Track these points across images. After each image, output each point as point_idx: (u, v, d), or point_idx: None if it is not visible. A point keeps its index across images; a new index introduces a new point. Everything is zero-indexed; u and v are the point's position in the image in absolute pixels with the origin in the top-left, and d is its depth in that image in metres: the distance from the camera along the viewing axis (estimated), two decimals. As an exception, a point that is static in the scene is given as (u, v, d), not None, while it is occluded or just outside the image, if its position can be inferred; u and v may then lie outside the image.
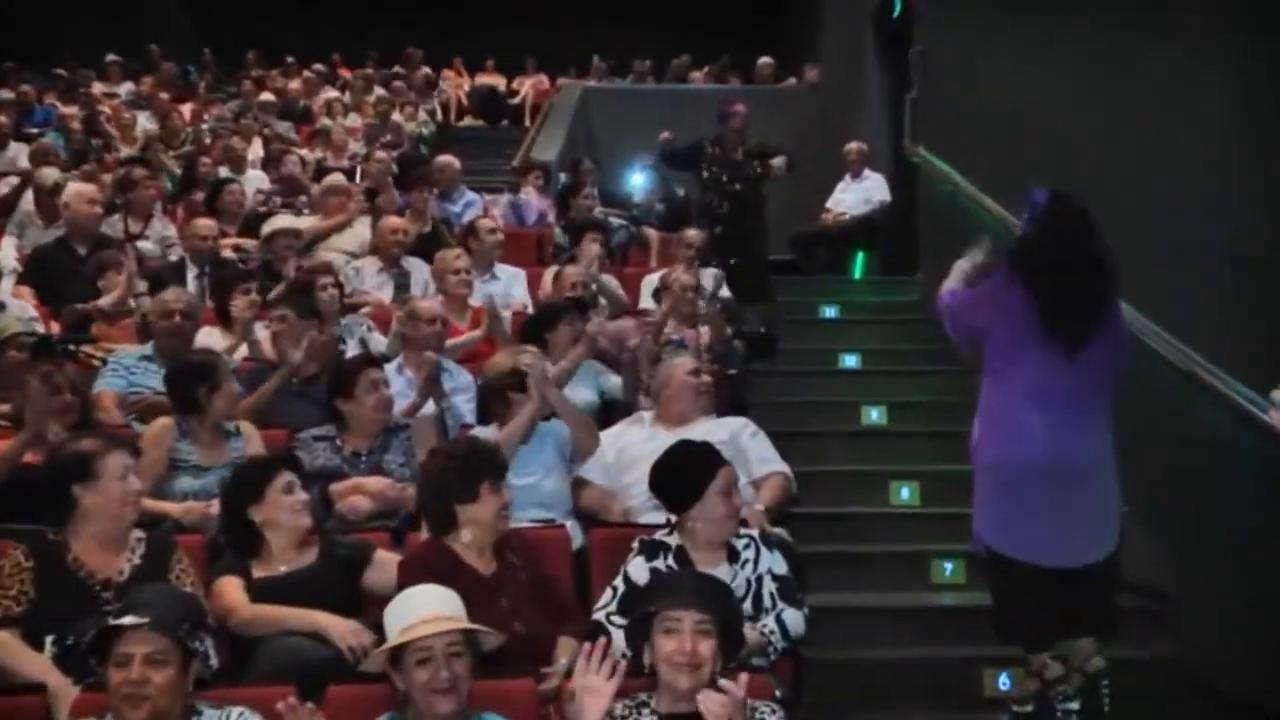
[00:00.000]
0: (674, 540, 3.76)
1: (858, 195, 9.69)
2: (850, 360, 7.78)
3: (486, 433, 4.63)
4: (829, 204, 9.85)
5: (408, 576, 3.52)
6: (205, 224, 6.90)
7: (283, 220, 7.30)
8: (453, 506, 3.71)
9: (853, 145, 9.74)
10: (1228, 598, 4.53)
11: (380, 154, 9.25)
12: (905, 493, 6.06)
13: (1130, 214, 5.19)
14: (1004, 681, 4.65)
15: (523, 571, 3.71)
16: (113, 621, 2.85)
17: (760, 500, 4.41)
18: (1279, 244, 4.37)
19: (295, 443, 4.57)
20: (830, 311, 8.61)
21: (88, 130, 10.93)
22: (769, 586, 3.74)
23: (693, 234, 7.15)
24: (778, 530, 4.32)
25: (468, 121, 15.27)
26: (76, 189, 6.72)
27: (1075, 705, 3.98)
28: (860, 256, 9.74)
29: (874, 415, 6.96)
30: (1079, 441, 3.86)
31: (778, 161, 7.90)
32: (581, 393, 5.33)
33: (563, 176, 9.80)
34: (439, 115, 14.31)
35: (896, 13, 9.50)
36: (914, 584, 5.33)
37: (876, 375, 7.57)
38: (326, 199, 7.71)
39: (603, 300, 6.71)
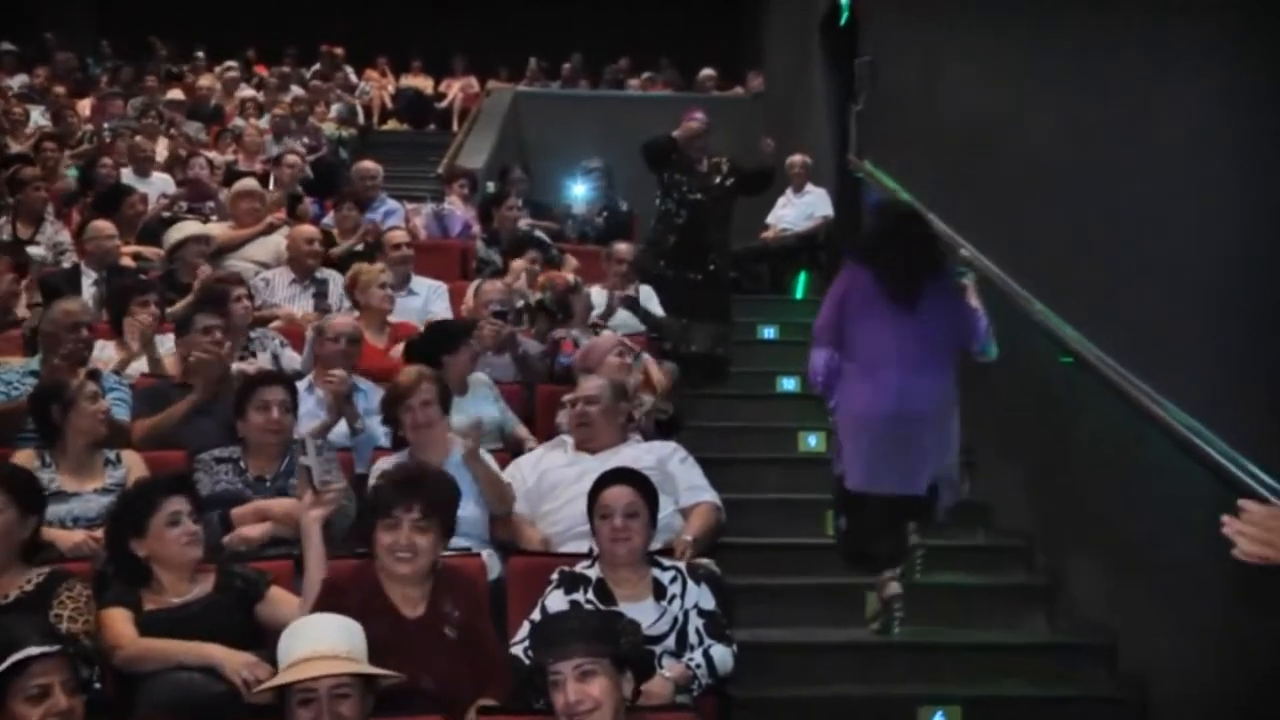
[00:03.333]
0: (594, 573, 3.80)
1: (800, 210, 9.80)
2: (789, 384, 7.86)
3: (399, 457, 4.64)
4: (770, 219, 9.95)
5: (325, 597, 3.54)
6: (103, 225, 6.84)
7: (192, 226, 7.24)
8: (372, 530, 3.70)
9: (796, 158, 9.84)
10: (1167, 635, 4.64)
11: (290, 157, 9.18)
12: (843, 523, 6.10)
13: (1104, 241, 5.16)
14: (940, 721, 4.73)
15: (453, 626, 3.61)
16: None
17: (688, 530, 4.46)
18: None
19: (196, 464, 4.56)
20: (769, 332, 8.70)
21: (-26, 125, 10.76)
22: (695, 622, 3.78)
23: (623, 248, 7.19)
24: (706, 561, 4.36)
25: (391, 125, 15.24)
26: (-47, 190, 6.63)
27: (875, 626, 5.15)
28: (803, 275, 9.82)
29: (812, 441, 7.02)
30: (923, 390, 4.86)
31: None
32: (487, 409, 5.40)
33: (490, 185, 9.80)
34: (360, 118, 14.27)
35: (844, 20, 9.61)
36: (848, 619, 5.37)
37: (815, 400, 7.57)
38: (237, 204, 7.65)
39: (528, 317, 6.77)
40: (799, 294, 9.79)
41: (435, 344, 5.43)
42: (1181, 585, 4.47)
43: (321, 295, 6.60)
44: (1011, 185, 6.19)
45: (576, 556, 4.06)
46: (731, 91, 14.00)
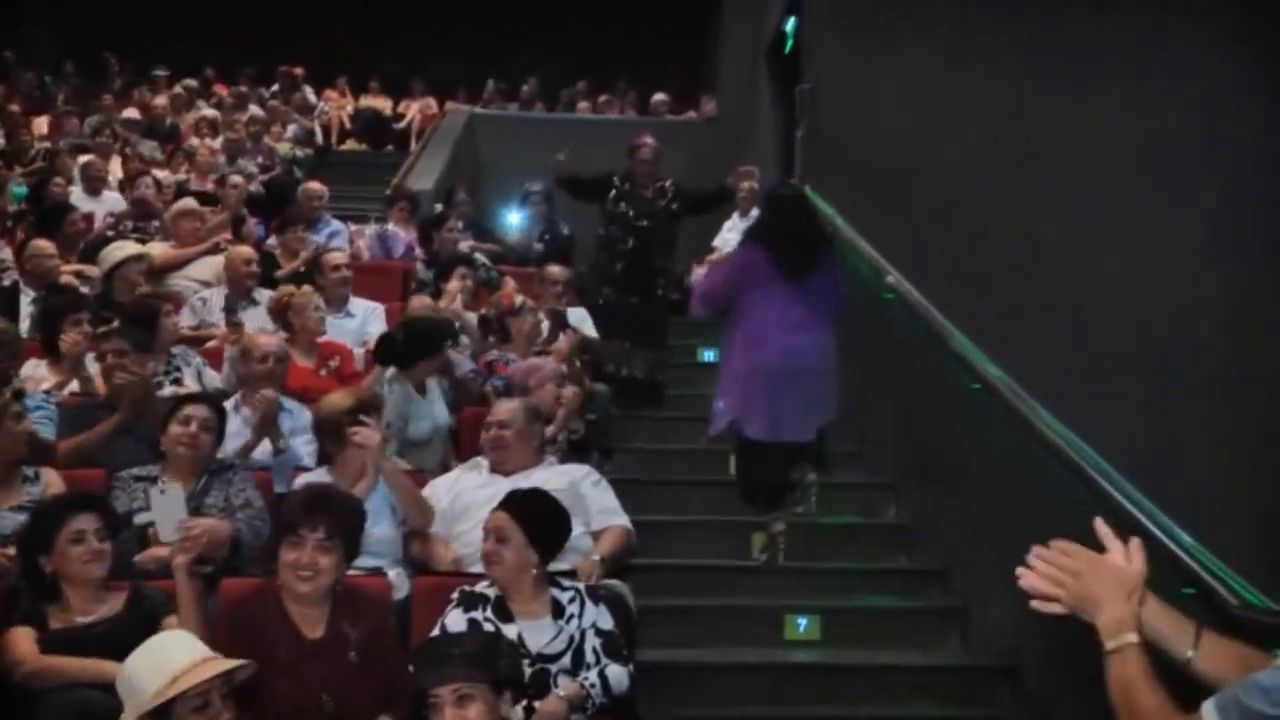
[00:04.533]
0: (493, 592, 3.86)
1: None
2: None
3: (319, 475, 4.70)
4: (716, 243, 10.00)
5: (226, 614, 3.65)
6: (42, 244, 6.89)
7: (130, 246, 7.27)
8: (277, 548, 3.78)
9: (744, 184, 9.91)
10: (1066, 658, 4.72)
11: (235, 178, 9.22)
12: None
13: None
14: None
15: (353, 648, 3.66)
16: None
17: (597, 551, 4.52)
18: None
19: (114, 482, 4.60)
20: (709, 355, 8.72)
21: (-71, 143, 10.78)
22: (592, 641, 3.84)
23: (555, 270, 7.26)
24: (614, 582, 4.43)
25: (350, 145, 15.27)
26: (-104, 209, 6.66)
27: (800, 509, 5.81)
28: (747, 299, 9.86)
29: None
30: (806, 349, 5.64)
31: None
32: (441, 412, 5.59)
33: (439, 207, 9.86)
34: (319, 138, 14.31)
35: (788, 48, 9.74)
36: (765, 639, 5.45)
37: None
38: (178, 224, 7.71)
39: (465, 338, 6.83)
40: (743, 317, 9.81)
41: (418, 345, 5.55)
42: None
43: (231, 310, 6.62)
44: (937, 215, 6.29)
45: (485, 577, 4.11)
46: (685, 115, 14.11)
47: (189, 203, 7.86)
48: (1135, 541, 2.14)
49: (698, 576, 5.90)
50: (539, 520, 3.91)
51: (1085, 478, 4.24)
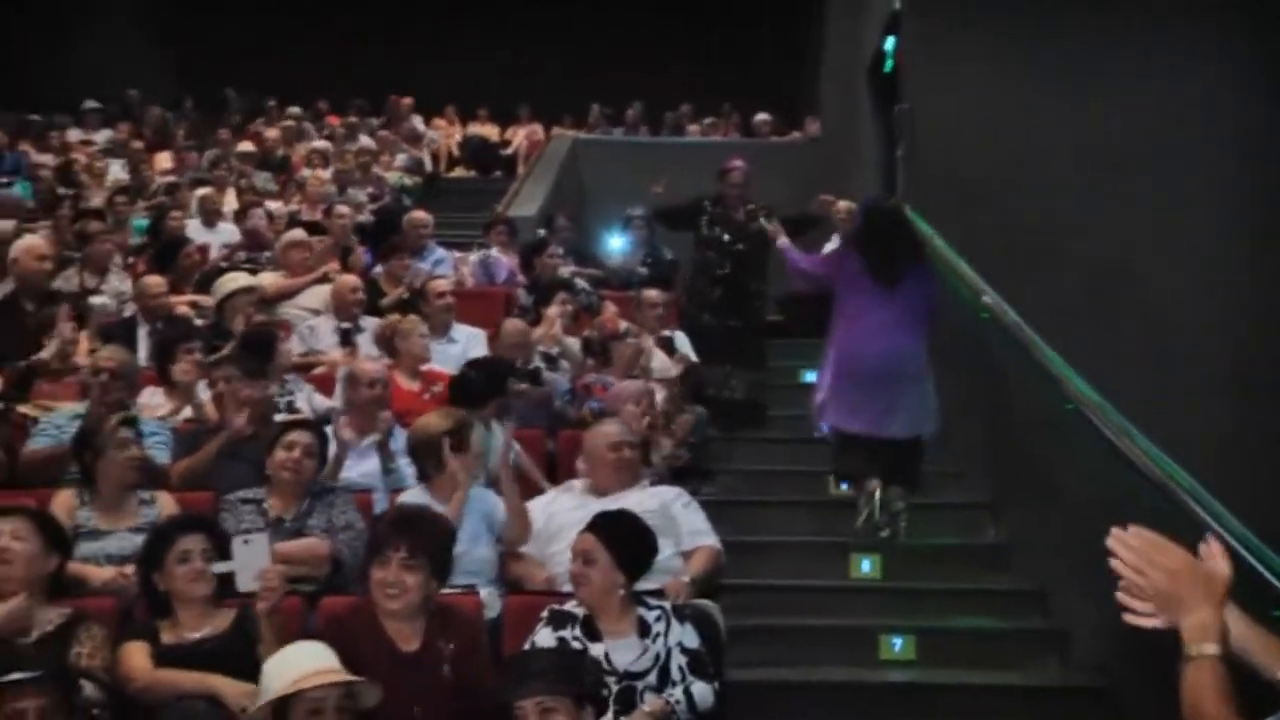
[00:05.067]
0: (581, 611, 3.97)
1: (845, 255, 9.88)
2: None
3: (417, 494, 4.86)
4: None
5: (325, 630, 3.80)
6: (153, 280, 7.18)
7: (241, 278, 7.54)
8: (368, 567, 3.95)
9: (842, 204, 9.93)
10: (1170, 681, 4.68)
11: (341, 208, 9.51)
12: (866, 565, 6.24)
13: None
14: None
15: (447, 662, 3.81)
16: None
17: (687, 572, 4.60)
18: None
19: (222, 505, 4.80)
20: (811, 376, 8.76)
21: (61, 179, 11.26)
22: (678, 660, 3.92)
23: (652, 294, 7.37)
24: (703, 602, 4.50)
25: (458, 172, 15.60)
26: (25, 244, 6.96)
27: (885, 533, 6.07)
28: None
29: (844, 486, 7.10)
30: (901, 352, 6.06)
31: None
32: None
33: (541, 232, 10.05)
34: (428, 165, 14.64)
35: (888, 68, 9.77)
36: (861, 659, 5.48)
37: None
38: (287, 254, 7.98)
39: (565, 363, 6.98)
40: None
41: (490, 383, 5.67)
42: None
43: (346, 335, 6.84)
44: (1034, 235, 6.26)
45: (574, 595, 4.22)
46: (789, 136, 14.16)
47: (297, 234, 8.13)
48: (1218, 546, 2.10)
49: (794, 596, 5.97)
50: (625, 543, 4.01)
51: (1176, 499, 4.21)
